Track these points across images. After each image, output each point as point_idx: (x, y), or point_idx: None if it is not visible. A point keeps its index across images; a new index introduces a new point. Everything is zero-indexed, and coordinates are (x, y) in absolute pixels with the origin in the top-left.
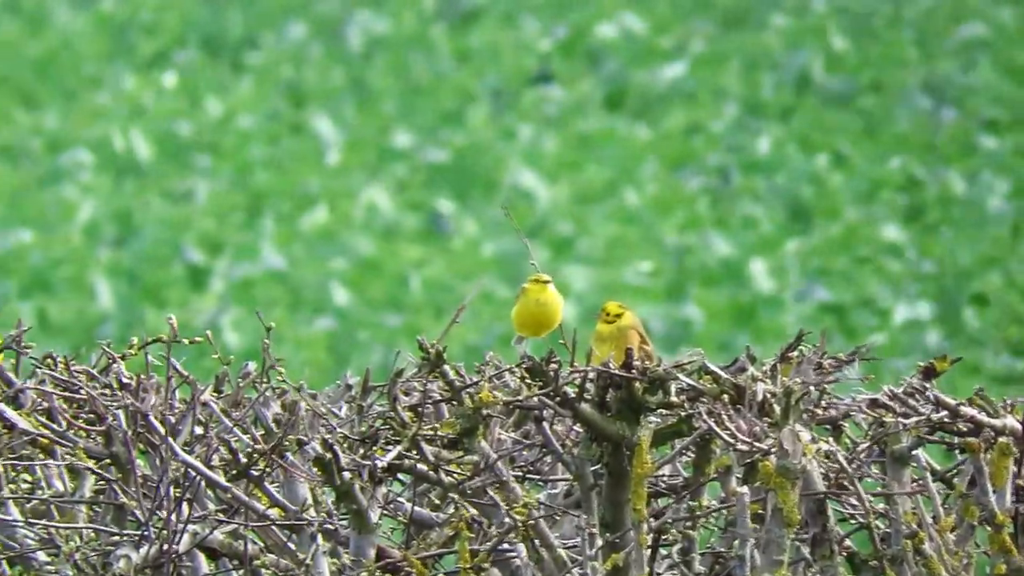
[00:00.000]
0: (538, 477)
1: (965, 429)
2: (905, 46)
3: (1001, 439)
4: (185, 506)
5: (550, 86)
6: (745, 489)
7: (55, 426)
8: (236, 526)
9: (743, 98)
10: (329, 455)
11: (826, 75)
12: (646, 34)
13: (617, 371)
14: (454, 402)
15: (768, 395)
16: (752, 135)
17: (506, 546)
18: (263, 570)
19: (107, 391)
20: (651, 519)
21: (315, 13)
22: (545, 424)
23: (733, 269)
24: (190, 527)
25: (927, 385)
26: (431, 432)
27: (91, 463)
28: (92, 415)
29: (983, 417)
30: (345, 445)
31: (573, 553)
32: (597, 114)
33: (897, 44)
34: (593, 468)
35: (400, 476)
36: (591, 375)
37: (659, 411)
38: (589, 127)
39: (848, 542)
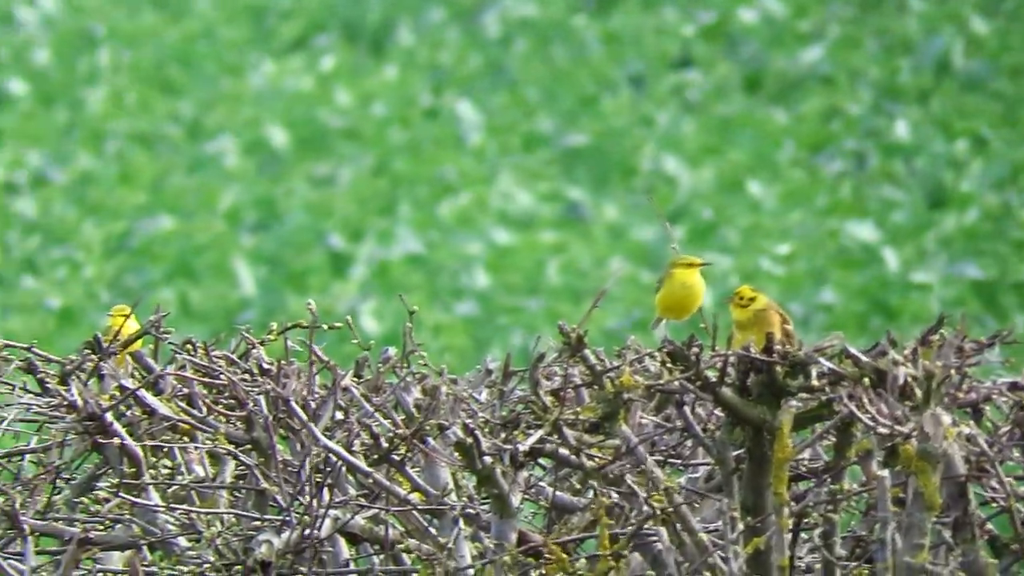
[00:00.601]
0: (679, 461)
1: None
2: None
3: None
4: (326, 491)
5: (690, 71)
6: (886, 473)
7: (195, 412)
8: (377, 511)
9: (880, 82)
10: (470, 440)
11: (965, 59)
12: (785, 18)
13: (758, 355)
14: (595, 386)
15: (909, 379)
16: (890, 119)
17: (648, 529)
18: (404, 555)
19: (247, 376)
20: (792, 503)
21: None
22: (686, 408)
23: (872, 253)
24: (331, 512)
25: None
26: (572, 416)
27: (232, 448)
28: (232, 400)
29: None
30: (486, 430)
31: (714, 537)
32: (736, 98)
33: None
34: (734, 452)
35: (541, 461)
36: (732, 359)
37: (800, 395)
38: (728, 111)
39: (989, 525)
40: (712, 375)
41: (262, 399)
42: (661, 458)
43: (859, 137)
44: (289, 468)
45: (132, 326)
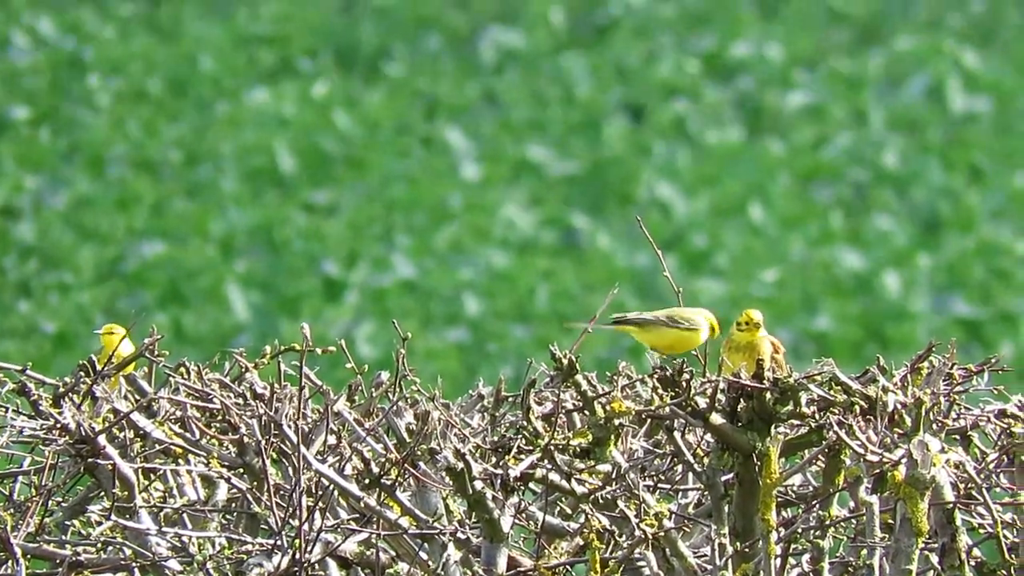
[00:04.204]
0: (669, 486)
1: None
2: None
3: None
4: (318, 515)
5: (683, 100)
6: (875, 499)
7: (188, 435)
8: (368, 535)
9: (876, 112)
10: (461, 464)
11: (959, 91)
12: (780, 50)
13: (748, 382)
14: (586, 412)
15: (899, 405)
16: (885, 149)
17: (638, 554)
18: None
19: (240, 400)
20: (781, 528)
21: (447, 26)
22: (676, 434)
23: (864, 281)
24: (323, 536)
25: None
26: (563, 442)
27: (224, 472)
28: (225, 424)
29: None
30: (477, 454)
31: (704, 562)
32: (731, 128)
33: None
34: (724, 478)
35: (532, 485)
36: (722, 385)
37: (789, 421)
38: (723, 141)
39: (977, 551)
40: (702, 401)
41: (255, 423)
42: (651, 483)
43: (854, 167)
44: (281, 492)
45: (126, 348)
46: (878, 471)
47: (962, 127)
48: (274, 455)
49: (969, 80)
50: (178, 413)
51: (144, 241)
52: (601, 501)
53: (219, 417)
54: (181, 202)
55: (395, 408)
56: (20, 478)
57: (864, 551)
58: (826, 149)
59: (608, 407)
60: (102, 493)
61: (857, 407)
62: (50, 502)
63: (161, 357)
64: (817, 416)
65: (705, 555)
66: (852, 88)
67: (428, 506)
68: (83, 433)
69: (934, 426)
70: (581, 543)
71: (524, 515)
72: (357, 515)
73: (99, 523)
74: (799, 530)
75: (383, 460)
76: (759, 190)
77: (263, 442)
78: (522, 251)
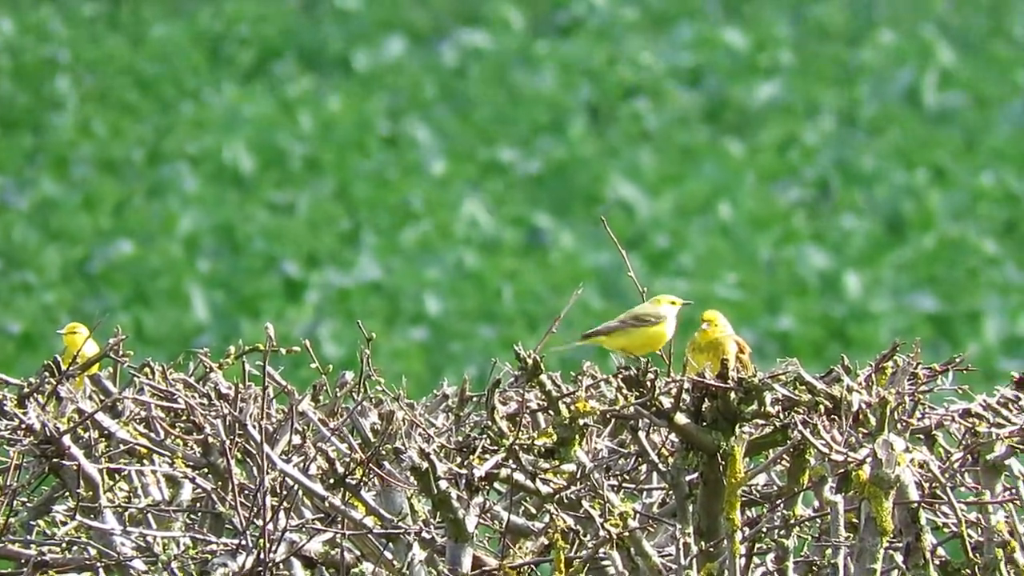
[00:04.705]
0: (634, 486)
1: None
2: (1009, 63)
3: None
4: (282, 515)
5: (646, 100)
6: (839, 498)
7: (153, 435)
8: (333, 535)
9: (840, 112)
10: (426, 464)
11: (927, 90)
12: (746, 49)
13: (713, 381)
14: (551, 412)
15: (863, 405)
16: (850, 149)
17: (602, 554)
18: None
19: (205, 400)
20: (745, 528)
21: (412, 27)
22: (641, 434)
23: (829, 281)
24: (287, 535)
25: (1020, 395)
26: (528, 441)
27: (189, 472)
28: (190, 424)
29: None
30: (442, 454)
31: (668, 562)
32: (695, 128)
33: (1001, 59)
34: (689, 477)
35: (497, 485)
36: (687, 385)
37: (754, 421)
38: (687, 141)
39: (941, 551)
40: (667, 401)
41: (219, 423)
42: (616, 483)
43: (819, 166)
44: (245, 492)
45: (90, 349)
46: (843, 470)
47: (928, 127)
48: (239, 455)
49: (942, 79)
50: (143, 413)
51: (110, 242)
52: (566, 501)
53: (184, 417)
54: (144, 202)
55: (360, 408)
56: None
57: (829, 550)
58: (790, 150)
59: (573, 407)
60: (67, 493)
61: (822, 407)
62: (15, 502)
63: (125, 357)
64: (782, 416)
65: (670, 555)
66: (816, 88)
67: (393, 506)
68: (48, 433)
69: (899, 425)
70: (546, 543)
71: (489, 515)
72: (322, 515)
73: (64, 523)
74: (763, 529)
75: (348, 460)
76: (723, 190)
77: (227, 442)
78: (487, 251)
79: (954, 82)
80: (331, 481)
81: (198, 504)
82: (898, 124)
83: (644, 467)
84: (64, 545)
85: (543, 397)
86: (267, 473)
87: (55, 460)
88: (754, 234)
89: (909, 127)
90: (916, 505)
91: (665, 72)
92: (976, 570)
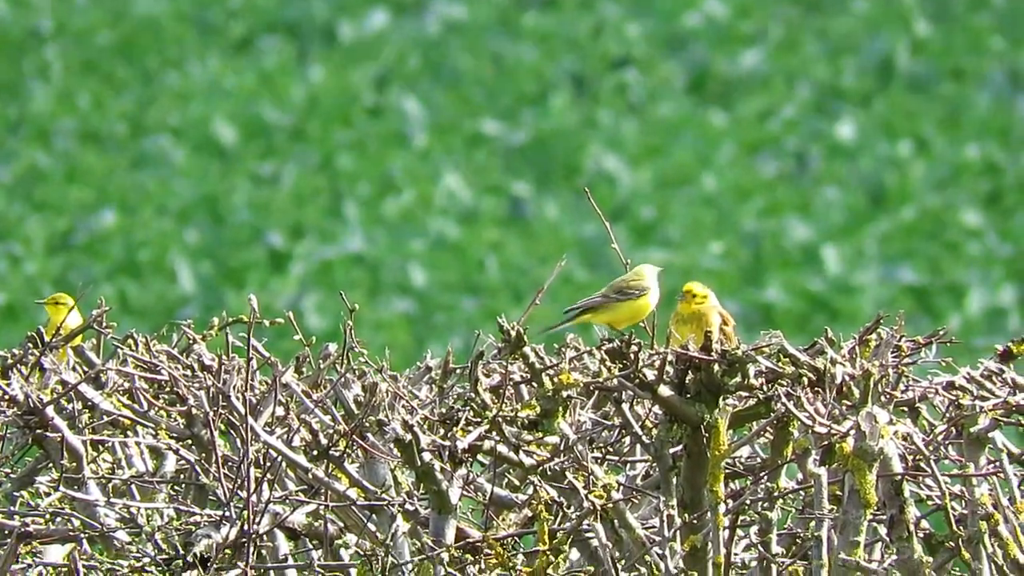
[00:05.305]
0: (617, 458)
1: None
2: (987, 33)
3: None
4: (266, 486)
5: (630, 71)
6: (823, 471)
7: (137, 407)
8: (317, 506)
9: (822, 83)
10: (410, 436)
11: (909, 61)
12: (728, 20)
13: (696, 353)
14: (534, 384)
15: (847, 377)
16: (832, 120)
17: (585, 526)
18: (343, 550)
19: (188, 372)
20: (729, 500)
21: None
22: (624, 406)
23: (810, 253)
24: (271, 507)
25: (1004, 368)
26: (511, 413)
27: (172, 443)
28: (174, 396)
29: None
30: (426, 426)
31: (652, 534)
32: (677, 99)
33: (979, 31)
34: (672, 450)
35: (480, 457)
36: (670, 357)
37: (737, 393)
38: (669, 112)
39: (925, 523)
40: (651, 373)
41: (203, 395)
42: (600, 455)
43: (800, 138)
44: (229, 463)
45: (74, 320)
46: (826, 443)
47: (908, 98)
48: (222, 427)
49: (918, 49)
50: (126, 385)
51: (93, 213)
52: (549, 473)
53: (167, 389)
54: (127, 174)
55: (343, 380)
56: None
57: (812, 523)
58: (771, 120)
59: (556, 379)
60: (50, 464)
61: (805, 379)
62: None
63: (109, 329)
64: (765, 388)
65: (653, 527)
66: (798, 59)
67: (376, 478)
68: (31, 404)
69: (882, 398)
70: (529, 515)
71: (472, 487)
72: (305, 487)
73: (48, 494)
74: (747, 502)
75: (331, 432)
76: (705, 161)
77: (211, 414)
78: (470, 222)
79: (927, 51)
80: (314, 453)
81: (182, 476)
82: (881, 96)
83: (628, 439)
84: (48, 516)
85: (526, 369)
86: (250, 445)
87: (38, 431)
88: (736, 205)
89: (890, 98)
90: (900, 478)
91: (648, 43)
92: (960, 542)
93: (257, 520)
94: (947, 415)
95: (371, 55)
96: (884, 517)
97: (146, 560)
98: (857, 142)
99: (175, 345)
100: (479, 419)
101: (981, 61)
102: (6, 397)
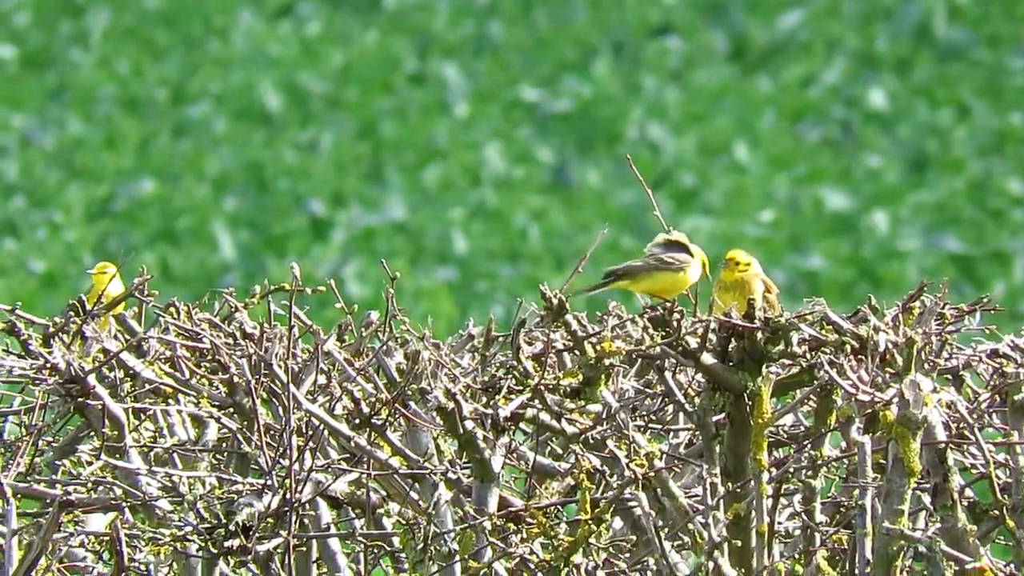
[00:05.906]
0: (660, 427)
1: None
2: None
3: None
4: (308, 455)
5: (671, 38)
6: (866, 439)
7: (178, 375)
8: (359, 475)
9: (860, 50)
10: (452, 404)
11: (946, 27)
12: None
13: (739, 321)
14: (577, 352)
15: (890, 345)
16: (870, 87)
17: (628, 495)
18: (385, 519)
19: (230, 340)
20: (772, 468)
21: None
22: (667, 374)
23: (850, 221)
24: (313, 476)
25: None
26: (553, 381)
27: (214, 411)
28: (215, 364)
29: None
30: (468, 394)
31: (695, 502)
32: (719, 66)
33: None
34: (715, 418)
35: (522, 425)
36: (713, 325)
37: (780, 361)
38: (711, 79)
39: (969, 492)
40: (693, 341)
41: (245, 363)
42: (642, 423)
43: (841, 105)
44: (271, 432)
45: (116, 288)
46: (870, 411)
47: (949, 64)
48: (264, 395)
49: (954, 15)
50: (168, 353)
51: (133, 181)
52: (591, 441)
53: (209, 357)
54: (168, 141)
55: (385, 348)
56: (10, 418)
57: (856, 491)
58: (813, 87)
59: (599, 347)
60: (92, 433)
61: (848, 347)
62: (40, 442)
63: (151, 297)
64: (808, 356)
65: (696, 495)
66: (840, 26)
67: (419, 446)
68: (73, 373)
69: (926, 366)
70: (571, 483)
71: (515, 455)
72: (347, 455)
73: (89, 463)
74: (791, 470)
75: (373, 400)
76: (746, 129)
77: (253, 382)
78: (512, 189)
79: (964, 18)
80: (357, 421)
81: (224, 444)
82: (919, 62)
83: (670, 407)
84: (89, 485)
85: (568, 337)
86: (292, 413)
87: (80, 400)
88: (777, 173)
89: (927, 66)
90: (944, 446)
91: (690, 10)
92: (1004, 511)
93: (299, 489)
94: (991, 383)
95: (415, 22)
96: (928, 485)
97: (188, 529)
98: (894, 109)
99: (217, 313)
100: (521, 387)
101: (1019, 28)
102: (48, 365)
